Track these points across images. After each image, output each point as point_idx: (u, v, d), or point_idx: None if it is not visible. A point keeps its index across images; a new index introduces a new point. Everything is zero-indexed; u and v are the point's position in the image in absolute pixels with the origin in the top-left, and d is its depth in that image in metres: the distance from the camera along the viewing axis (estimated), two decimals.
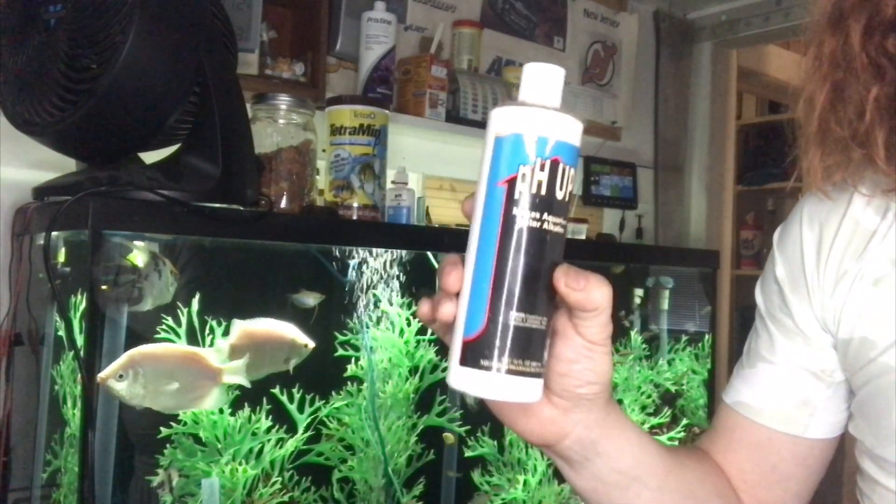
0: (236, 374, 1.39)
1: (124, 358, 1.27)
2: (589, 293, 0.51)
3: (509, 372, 0.51)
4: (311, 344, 1.51)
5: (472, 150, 2.28)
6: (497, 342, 0.50)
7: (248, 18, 1.72)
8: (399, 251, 1.68)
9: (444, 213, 2.22)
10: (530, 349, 0.51)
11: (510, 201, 0.50)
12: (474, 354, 0.51)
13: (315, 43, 1.87)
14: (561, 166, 0.51)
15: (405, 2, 2.15)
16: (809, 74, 0.70)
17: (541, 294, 0.51)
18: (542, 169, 0.50)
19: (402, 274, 1.71)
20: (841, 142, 0.68)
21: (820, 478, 0.77)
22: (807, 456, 0.75)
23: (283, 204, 1.50)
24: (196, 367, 1.34)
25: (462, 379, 0.51)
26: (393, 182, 1.73)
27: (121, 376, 1.25)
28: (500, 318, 0.51)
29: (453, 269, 0.52)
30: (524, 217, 0.50)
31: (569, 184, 0.52)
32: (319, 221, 1.54)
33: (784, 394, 0.74)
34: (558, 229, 0.51)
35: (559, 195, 0.51)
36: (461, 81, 2.12)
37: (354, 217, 1.59)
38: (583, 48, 2.65)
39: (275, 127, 1.53)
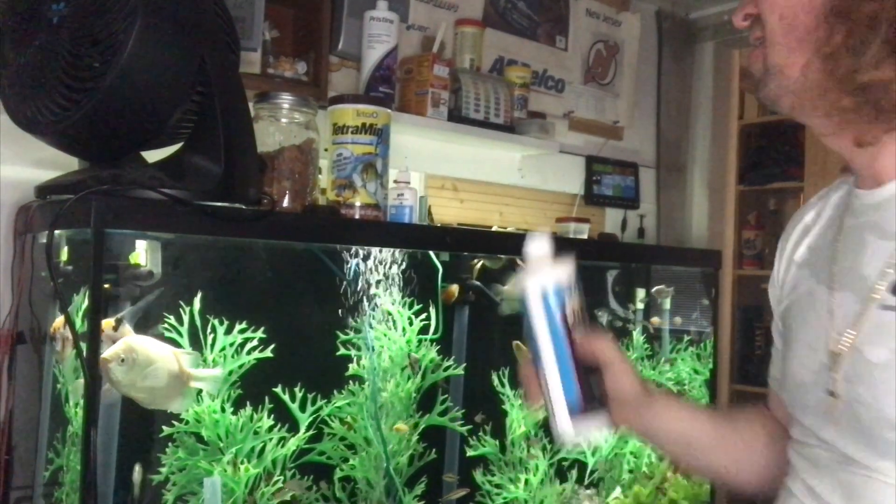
0: (204, 381, 1.40)
1: (124, 343, 1.28)
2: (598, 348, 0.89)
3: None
4: None
5: (474, 149, 2.28)
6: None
7: (251, 17, 1.72)
8: (401, 250, 1.68)
9: (446, 212, 2.22)
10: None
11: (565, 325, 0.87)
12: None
13: (317, 42, 1.87)
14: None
15: (407, 1, 2.15)
16: None
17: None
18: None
19: (403, 273, 1.71)
20: None
21: None
22: None
23: (286, 203, 1.50)
24: (173, 367, 1.35)
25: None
26: (395, 181, 1.73)
27: (122, 360, 1.26)
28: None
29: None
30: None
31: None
32: (321, 220, 1.53)
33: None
34: None
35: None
36: (463, 81, 2.12)
37: (356, 216, 1.59)
38: (585, 47, 2.64)
39: (277, 126, 1.53)
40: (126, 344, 1.28)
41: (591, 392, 0.87)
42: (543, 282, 0.87)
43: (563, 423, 0.87)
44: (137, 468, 1.39)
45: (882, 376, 0.71)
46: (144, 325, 1.36)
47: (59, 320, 1.35)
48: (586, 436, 0.88)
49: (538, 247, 0.88)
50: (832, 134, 0.80)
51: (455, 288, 1.82)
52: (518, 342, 1.89)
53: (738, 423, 0.98)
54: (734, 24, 0.85)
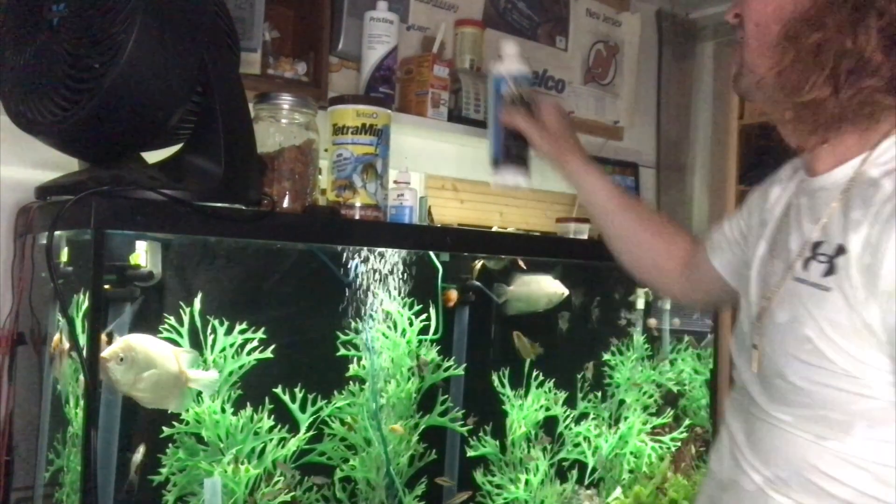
0: (200, 383, 1.40)
1: (123, 342, 1.28)
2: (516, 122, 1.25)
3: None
4: None
5: (475, 149, 2.27)
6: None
7: (251, 17, 1.72)
8: (401, 251, 1.68)
9: (447, 212, 2.22)
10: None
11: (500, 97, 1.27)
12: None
13: (317, 42, 1.87)
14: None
15: (407, 1, 2.15)
16: None
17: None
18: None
19: (404, 274, 1.71)
20: None
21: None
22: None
23: (286, 203, 1.50)
24: (172, 366, 1.35)
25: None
26: (395, 182, 1.73)
27: (121, 359, 1.26)
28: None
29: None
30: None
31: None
32: (322, 221, 1.53)
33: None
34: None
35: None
36: (463, 81, 2.12)
37: (357, 217, 1.59)
38: (585, 48, 2.64)
39: (277, 126, 1.53)
40: (126, 342, 1.28)
41: (511, 152, 1.25)
42: (503, 69, 1.25)
43: (491, 170, 1.29)
44: (141, 449, 1.39)
45: (780, 334, 0.85)
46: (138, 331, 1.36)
47: (58, 337, 1.35)
48: (503, 182, 1.27)
49: (510, 46, 1.26)
50: (785, 134, 0.94)
51: (454, 293, 1.82)
52: (518, 332, 1.90)
53: (656, 225, 1.27)
54: (727, 19, 0.95)
